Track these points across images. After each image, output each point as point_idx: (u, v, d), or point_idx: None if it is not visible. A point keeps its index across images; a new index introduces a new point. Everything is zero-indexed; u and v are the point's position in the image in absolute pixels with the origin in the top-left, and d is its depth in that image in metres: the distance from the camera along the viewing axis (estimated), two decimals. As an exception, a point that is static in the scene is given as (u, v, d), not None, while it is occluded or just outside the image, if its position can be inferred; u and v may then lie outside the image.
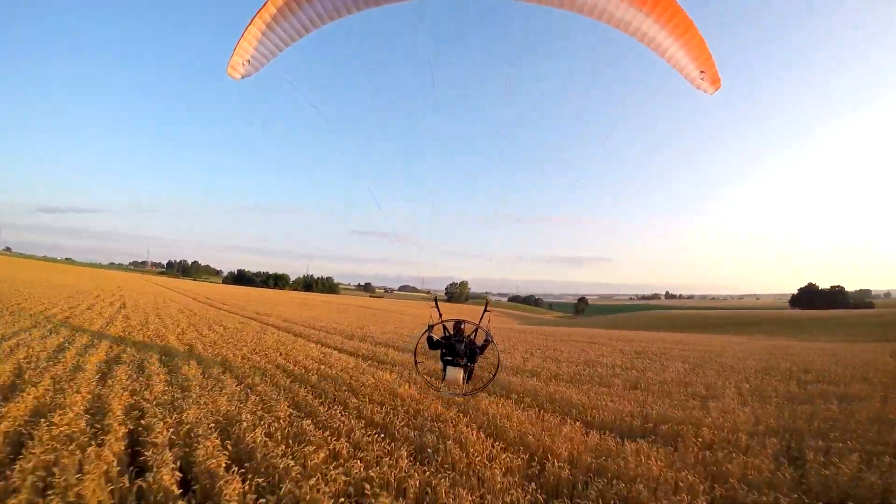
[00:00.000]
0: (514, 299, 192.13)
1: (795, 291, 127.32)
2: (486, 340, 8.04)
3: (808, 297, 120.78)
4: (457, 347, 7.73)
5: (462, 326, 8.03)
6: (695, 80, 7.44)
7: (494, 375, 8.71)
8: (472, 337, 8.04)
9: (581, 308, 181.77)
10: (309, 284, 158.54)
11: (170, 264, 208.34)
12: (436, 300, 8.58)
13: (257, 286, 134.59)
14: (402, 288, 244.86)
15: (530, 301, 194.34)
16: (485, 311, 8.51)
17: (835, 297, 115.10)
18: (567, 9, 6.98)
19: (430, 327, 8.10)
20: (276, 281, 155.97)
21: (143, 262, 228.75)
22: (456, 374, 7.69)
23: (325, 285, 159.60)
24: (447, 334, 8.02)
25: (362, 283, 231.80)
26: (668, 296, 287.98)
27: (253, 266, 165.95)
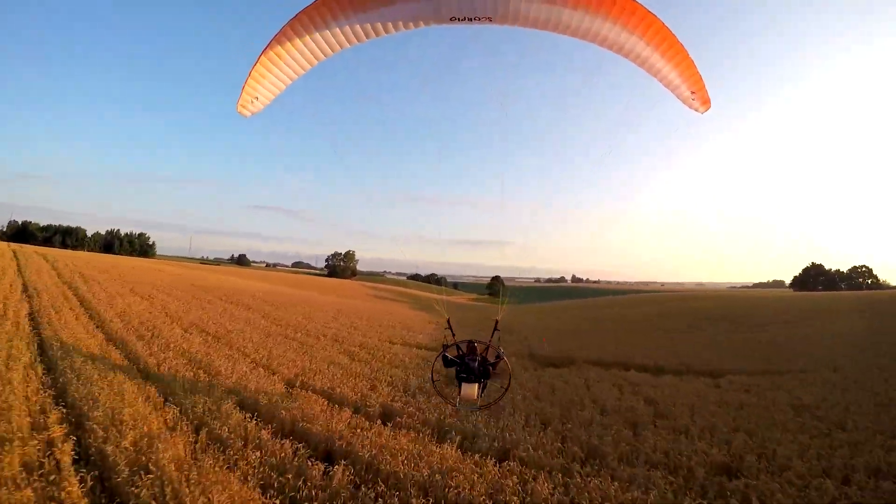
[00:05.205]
0: (415, 277, 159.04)
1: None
2: (497, 356, 8.72)
3: (820, 279, 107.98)
4: (470, 365, 8.40)
5: (475, 345, 8.70)
6: (686, 101, 8.25)
7: (507, 389, 9.05)
8: (484, 354, 8.68)
9: (496, 289, 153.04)
10: (110, 244, 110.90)
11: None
12: (448, 322, 9.16)
13: (39, 244, 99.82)
14: (295, 265, 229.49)
15: (432, 280, 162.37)
16: (495, 329, 9.12)
17: (856, 280, 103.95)
18: (561, 32, 7.45)
19: (445, 347, 8.79)
20: (63, 237, 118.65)
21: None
22: (471, 390, 8.36)
23: (135, 246, 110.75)
24: (461, 353, 8.72)
25: (235, 255, 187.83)
26: (575, 279, 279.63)
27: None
